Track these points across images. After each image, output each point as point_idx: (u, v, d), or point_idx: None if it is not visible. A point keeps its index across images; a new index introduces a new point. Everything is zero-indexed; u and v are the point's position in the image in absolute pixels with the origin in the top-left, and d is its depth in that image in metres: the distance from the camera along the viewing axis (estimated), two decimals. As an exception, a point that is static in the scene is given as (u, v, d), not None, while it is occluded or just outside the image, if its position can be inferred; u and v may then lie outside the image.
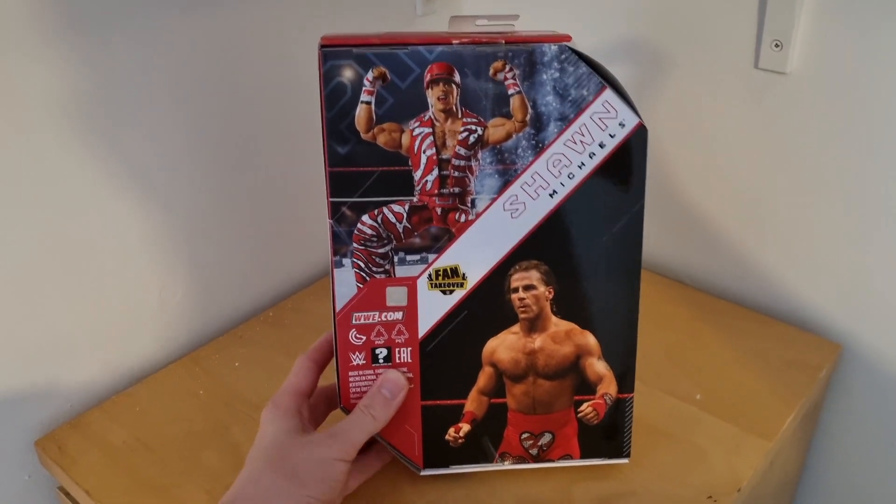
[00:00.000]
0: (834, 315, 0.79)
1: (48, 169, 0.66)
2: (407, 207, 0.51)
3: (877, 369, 0.79)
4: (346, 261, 0.52)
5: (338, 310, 0.53)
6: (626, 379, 0.56)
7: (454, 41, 0.48)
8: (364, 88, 0.49)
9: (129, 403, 0.72)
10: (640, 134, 0.51)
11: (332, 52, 0.48)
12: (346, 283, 0.52)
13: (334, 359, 0.54)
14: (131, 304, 0.76)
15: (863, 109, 0.69)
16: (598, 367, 0.56)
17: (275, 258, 0.89)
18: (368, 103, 0.49)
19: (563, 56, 0.49)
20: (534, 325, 0.55)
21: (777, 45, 0.70)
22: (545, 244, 0.53)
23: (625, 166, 0.51)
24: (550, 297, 0.54)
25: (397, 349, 0.54)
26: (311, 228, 0.91)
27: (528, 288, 0.54)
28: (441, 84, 0.49)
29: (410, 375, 0.55)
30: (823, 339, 0.78)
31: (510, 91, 0.49)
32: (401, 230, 0.52)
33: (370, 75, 0.48)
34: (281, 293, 0.91)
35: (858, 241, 0.74)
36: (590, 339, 0.55)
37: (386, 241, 0.52)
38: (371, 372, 0.54)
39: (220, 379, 0.74)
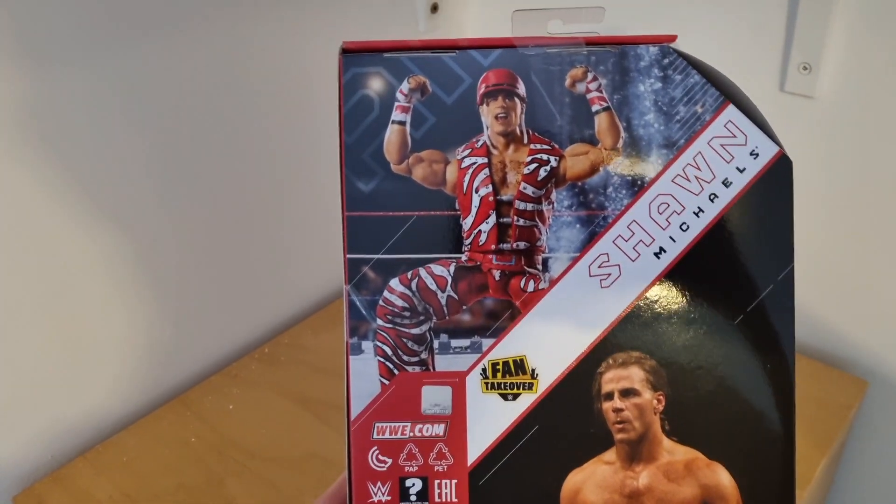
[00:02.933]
0: (860, 350, 0.76)
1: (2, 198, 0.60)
2: (452, 269, 0.37)
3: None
4: (367, 344, 0.37)
5: (353, 417, 0.37)
6: (780, 544, 0.37)
7: (517, 43, 0.36)
8: (397, 104, 0.36)
9: (115, 453, 0.65)
10: (780, 167, 0.36)
11: (356, 57, 0.36)
12: (365, 376, 0.37)
13: (347, 490, 0.38)
14: (115, 342, 0.68)
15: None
16: (736, 521, 0.37)
17: (269, 288, 0.83)
18: (402, 123, 0.36)
19: (667, 60, 0.36)
20: (636, 450, 0.37)
21: (805, 68, 0.65)
22: (651, 328, 0.37)
23: (761, 214, 0.36)
24: (661, 408, 0.37)
25: (436, 481, 0.37)
26: (307, 255, 0.86)
27: (627, 393, 0.37)
28: (500, 98, 0.36)
29: (456, 524, 0.37)
30: (850, 375, 0.74)
31: (595, 107, 0.36)
32: (443, 302, 0.37)
33: (405, 87, 0.36)
34: (276, 327, 0.84)
35: (884, 273, 0.72)
36: (721, 477, 0.37)
37: (423, 318, 0.37)
38: (399, 515, 0.37)
39: (212, 424, 0.67)
